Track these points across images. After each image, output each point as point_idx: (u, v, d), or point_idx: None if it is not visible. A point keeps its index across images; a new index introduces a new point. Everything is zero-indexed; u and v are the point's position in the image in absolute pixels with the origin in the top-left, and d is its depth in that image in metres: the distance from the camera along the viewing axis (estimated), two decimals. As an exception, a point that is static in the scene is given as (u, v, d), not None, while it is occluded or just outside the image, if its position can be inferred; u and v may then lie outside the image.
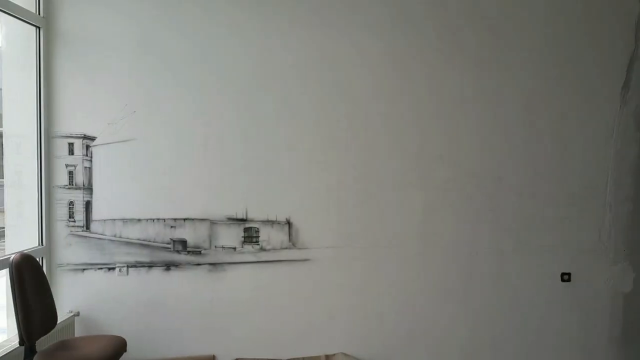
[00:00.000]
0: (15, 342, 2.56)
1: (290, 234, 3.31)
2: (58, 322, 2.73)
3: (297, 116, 3.28)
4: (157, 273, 3.25)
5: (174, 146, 3.23)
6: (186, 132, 3.23)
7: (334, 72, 3.28)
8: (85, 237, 3.21)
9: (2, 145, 3.13)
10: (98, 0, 3.17)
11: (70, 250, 3.20)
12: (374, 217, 3.32)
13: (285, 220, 3.30)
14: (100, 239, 3.22)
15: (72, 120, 3.18)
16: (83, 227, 3.21)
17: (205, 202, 3.25)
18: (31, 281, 2.50)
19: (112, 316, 3.21)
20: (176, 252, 3.26)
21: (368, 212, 3.32)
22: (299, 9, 3.26)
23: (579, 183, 3.34)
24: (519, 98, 3.32)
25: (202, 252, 3.28)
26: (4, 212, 3.15)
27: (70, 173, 3.20)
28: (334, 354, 3.29)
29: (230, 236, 3.29)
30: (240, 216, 3.29)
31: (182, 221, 3.26)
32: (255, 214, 3.29)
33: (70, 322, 3.11)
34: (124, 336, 2.79)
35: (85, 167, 3.21)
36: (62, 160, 3.19)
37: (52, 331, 2.68)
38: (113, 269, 3.23)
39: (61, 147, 3.19)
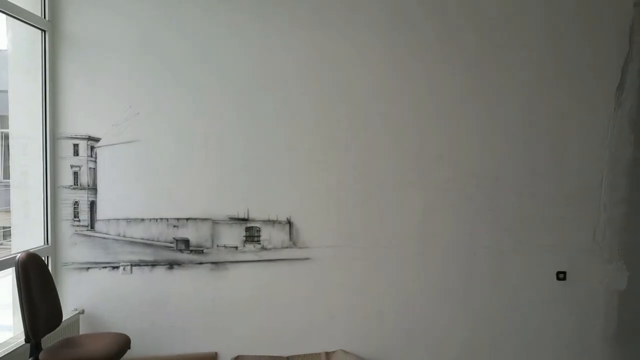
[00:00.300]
0: (21, 339, 2.61)
1: (291, 234, 3.34)
2: (63, 319, 2.76)
3: (297, 116, 3.30)
4: (160, 272, 3.29)
5: (175, 147, 3.26)
6: (187, 132, 3.26)
7: (334, 72, 3.29)
8: (90, 236, 3.26)
9: (9, 146, 3.17)
10: (101, 3, 3.20)
11: (75, 249, 3.25)
12: (374, 217, 3.33)
13: (286, 219, 3.33)
14: (104, 238, 3.27)
15: (76, 121, 3.22)
16: (88, 226, 3.26)
17: (207, 202, 3.29)
18: (37, 280, 2.53)
19: (116, 314, 3.25)
20: (179, 251, 3.31)
21: (368, 212, 3.33)
22: (299, 9, 3.27)
23: (575, 184, 3.34)
24: (518, 98, 3.32)
25: (204, 251, 3.32)
26: (10, 212, 3.21)
27: (75, 173, 3.25)
28: (334, 351, 3.32)
29: (232, 235, 3.32)
30: (242, 216, 3.32)
31: (185, 221, 3.30)
32: (257, 213, 3.32)
33: (75, 320, 3.17)
34: (127, 334, 2.85)
35: (90, 168, 3.25)
36: (67, 161, 3.24)
37: (57, 329, 2.72)
38: (117, 267, 3.28)
39: (66, 148, 3.23)
